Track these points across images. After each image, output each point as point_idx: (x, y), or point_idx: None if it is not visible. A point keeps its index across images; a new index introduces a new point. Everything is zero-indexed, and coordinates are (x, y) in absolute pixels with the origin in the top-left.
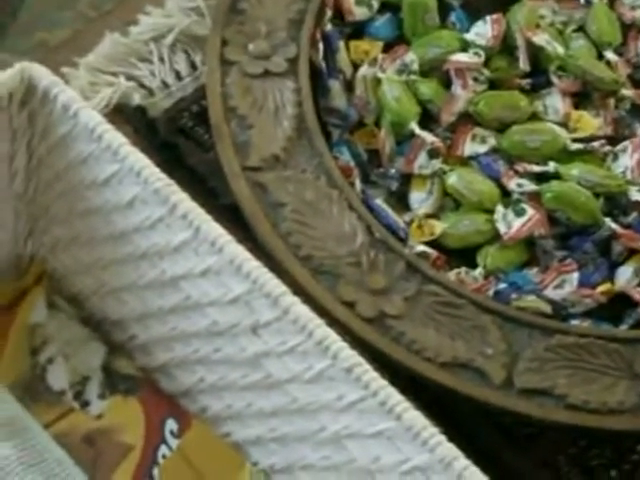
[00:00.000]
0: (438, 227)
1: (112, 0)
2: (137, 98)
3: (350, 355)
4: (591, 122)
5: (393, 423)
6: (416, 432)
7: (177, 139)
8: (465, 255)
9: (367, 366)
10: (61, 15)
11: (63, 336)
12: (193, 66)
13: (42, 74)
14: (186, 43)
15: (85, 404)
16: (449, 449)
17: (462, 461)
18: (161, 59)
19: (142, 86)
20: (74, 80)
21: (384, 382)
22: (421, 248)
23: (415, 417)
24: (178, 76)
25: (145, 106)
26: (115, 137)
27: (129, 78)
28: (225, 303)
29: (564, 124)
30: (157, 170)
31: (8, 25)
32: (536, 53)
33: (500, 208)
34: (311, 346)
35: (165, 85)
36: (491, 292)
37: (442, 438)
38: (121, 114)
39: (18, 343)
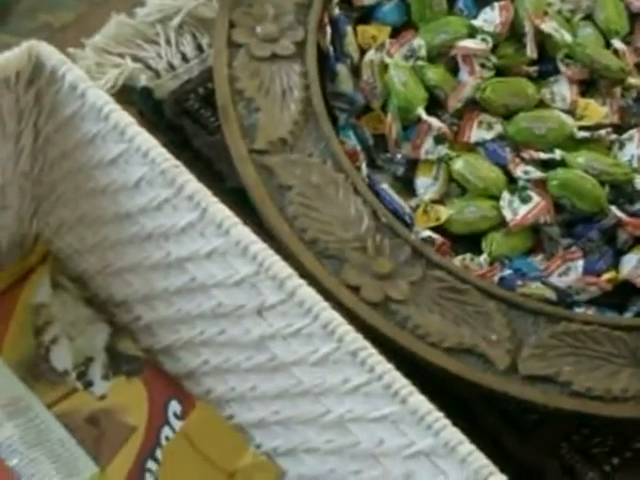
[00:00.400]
0: (444, 213)
1: None
2: (143, 80)
3: (355, 338)
4: (598, 110)
5: (398, 407)
6: (421, 416)
7: (183, 121)
8: (470, 241)
9: (372, 350)
10: None
11: (67, 316)
12: (199, 48)
13: (50, 53)
14: (193, 25)
15: (88, 384)
16: (453, 433)
17: (466, 446)
18: (167, 41)
19: (148, 68)
20: (80, 61)
21: (389, 366)
22: (426, 233)
23: (420, 401)
24: (184, 58)
25: (151, 88)
26: (123, 117)
27: (135, 59)
28: (230, 285)
29: (571, 112)
30: (164, 151)
31: (12, 6)
32: (544, 40)
33: (506, 195)
34: (316, 329)
35: (171, 67)
36: (496, 278)
37: (447, 422)
38: (127, 95)
39: (22, 323)
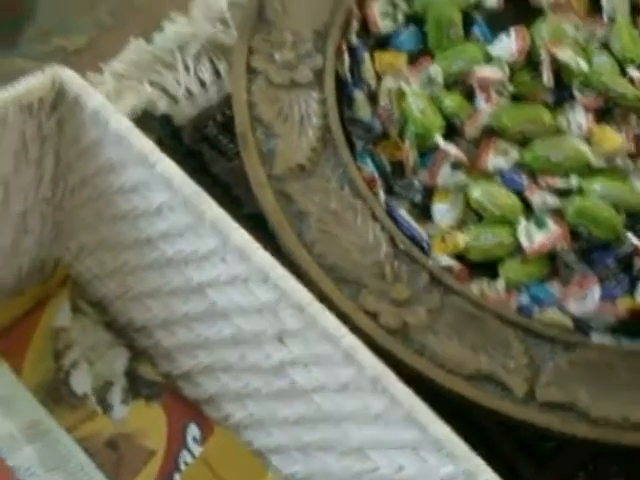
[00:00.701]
0: (461, 240)
1: (130, 8)
2: (162, 106)
3: (376, 365)
4: (614, 138)
5: (418, 434)
6: (441, 443)
7: (201, 147)
8: (487, 267)
9: (393, 376)
10: (78, 21)
11: (87, 341)
12: (217, 75)
13: (72, 79)
14: (211, 52)
15: (108, 408)
16: (474, 461)
17: (488, 474)
18: (186, 67)
19: (166, 93)
20: (99, 86)
21: (410, 392)
22: (444, 260)
23: (441, 428)
24: (202, 84)
25: (169, 114)
26: (145, 144)
27: (154, 85)
28: (251, 311)
29: (587, 139)
30: (186, 177)
31: (24, 29)
32: (559, 68)
33: (523, 222)
34: (337, 355)
35: (189, 93)
36: (513, 305)
37: (467, 450)
38: (145, 121)
39: (42, 347)
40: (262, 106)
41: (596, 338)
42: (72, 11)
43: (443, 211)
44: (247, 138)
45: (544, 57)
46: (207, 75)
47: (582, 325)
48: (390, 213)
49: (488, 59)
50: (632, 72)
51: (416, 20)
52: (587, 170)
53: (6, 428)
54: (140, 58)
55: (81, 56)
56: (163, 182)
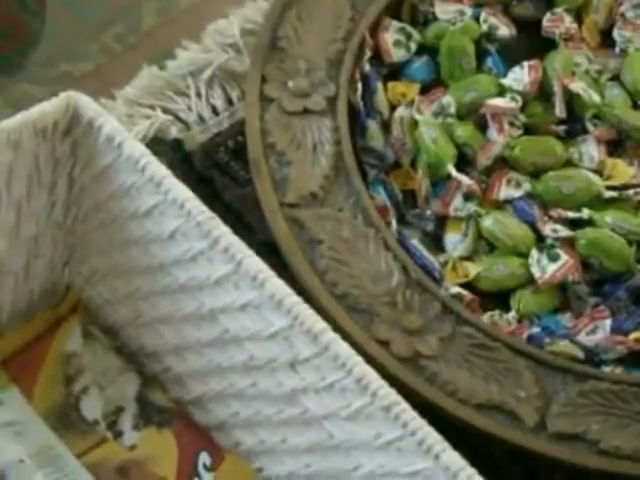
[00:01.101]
0: (472, 269)
1: (137, 34)
2: (174, 132)
3: (389, 393)
4: (625, 170)
5: (431, 463)
6: (454, 473)
7: (213, 174)
8: (499, 297)
9: (405, 405)
10: (85, 47)
11: (98, 366)
12: (230, 102)
13: (87, 104)
14: (223, 78)
15: (119, 434)
16: None
17: None
18: (198, 94)
19: (179, 120)
20: (112, 111)
21: (422, 421)
22: (456, 290)
23: (453, 457)
24: (215, 111)
25: (181, 140)
26: (159, 169)
27: (166, 111)
28: (264, 338)
29: (599, 171)
30: (200, 203)
31: (30, 54)
32: (572, 100)
33: (534, 253)
34: (350, 383)
35: (201, 119)
36: (525, 336)
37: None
38: (157, 147)
39: (53, 372)
40: (275, 133)
41: (607, 369)
42: (78, 37)
43: (455, 241)
44: (260, 165)
45: (556, 89)
46: (219, 102)
47: (593, 356)
48: (402, 242)
49: (501, 90)
50: None
51: (429, 50)
52: (598, 202)
53: (16, 453)
54: (152, 84)
55: (87, 82)
56: (176, 208)
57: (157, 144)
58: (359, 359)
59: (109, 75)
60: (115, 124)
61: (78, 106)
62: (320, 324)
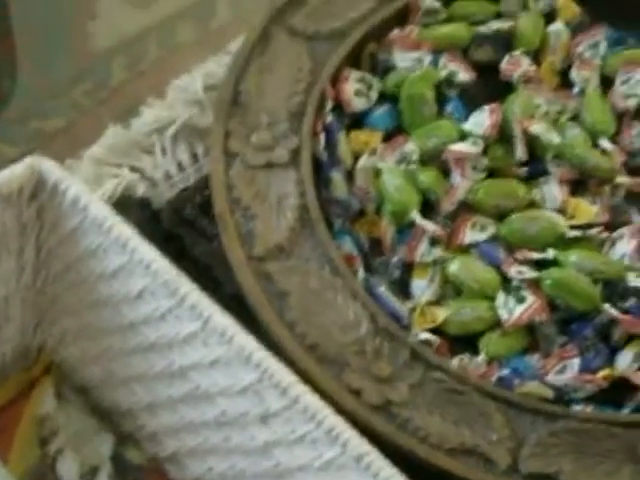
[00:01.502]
0: (440, 314)
1: (106, 89)
2: (141, 189)
3: (360, 443)
4: (588, 209)
5: None
6: None
7: (181, 231)
8: (467, 341)
9: (376, 454)
10: (55, 104)
11: (72, 427)
12: (195, 157)
13: (51, 168)
14: (188, 134)
15: None
16: None
17: None
18: (163, 150)
19: (145, 177)
20: (78, 172)
21: (393, 470)
22: (424, 335)
23: None
24: (180, 167)
25: (149, 198)
26: (124, 230)
27: (133, 169)
28: (234, 393)
29: (562, 211)
30: (166, 262)
31: (1, 112)
32: (533, 142)
33: (501, 295)
34: (320, 434)
35: (168, 176)
36: (494, 378)
37: None
38: (124, 206)
39: (28, 434)
40: (240, 188)
41: (577, 408)
42: (49, 94)
43: (422, 286)
44: (226, 220)
45: (517, 131)
46: (185, 157)
47: (563, 396)
48: (370, 290)
49: (462, 135)
50: (604, 143)
51: (390, 98)
52: (563, 242)
53: None
54: (118, 142)
55: (59, 139)
56: (143, 267)
57: (125, 203)
58: (329, 410)
59: (79, 131)
60: (80, 187)
61: (42, 170)
62: (289, 377)
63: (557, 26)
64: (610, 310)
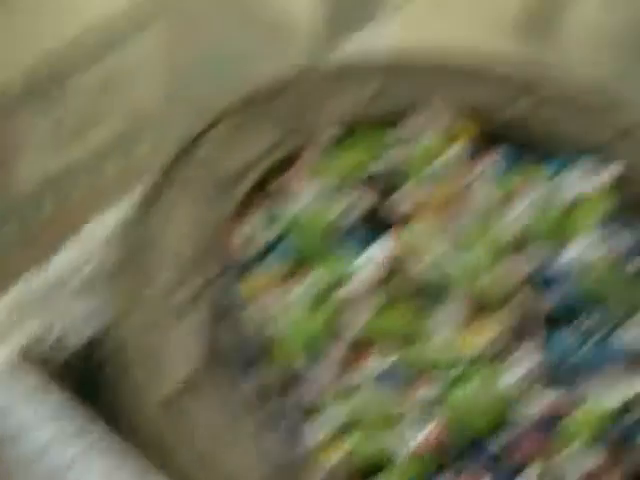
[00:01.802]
0: (344, 448)
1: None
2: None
3: None
4: (487, 330)
5: None
6: None
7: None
8: (372, 474)
9: None
10: None
11: None
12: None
13: None
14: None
15: None
16: None
17: None
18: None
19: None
20: None
21: None
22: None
23: None
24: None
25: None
26: None
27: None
28: None
29: (460, 334)
30: None
31: None
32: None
33: (402, 424)
34: None
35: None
36: None
37: None
38: (34, 359)
39: None
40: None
41: None
42: None
43: (324, 423)
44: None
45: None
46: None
47: None
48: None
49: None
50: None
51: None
52: (462, 364)
53: None
54: (24, 298)
55: None
56: None
57: (34, 356)
58: None
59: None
60: None
61: None
62: None
63: None
64: (512, 431)
